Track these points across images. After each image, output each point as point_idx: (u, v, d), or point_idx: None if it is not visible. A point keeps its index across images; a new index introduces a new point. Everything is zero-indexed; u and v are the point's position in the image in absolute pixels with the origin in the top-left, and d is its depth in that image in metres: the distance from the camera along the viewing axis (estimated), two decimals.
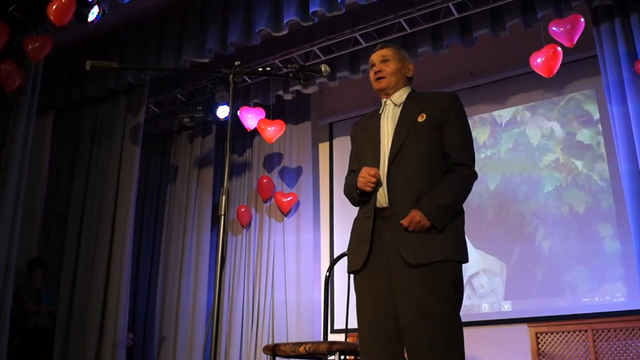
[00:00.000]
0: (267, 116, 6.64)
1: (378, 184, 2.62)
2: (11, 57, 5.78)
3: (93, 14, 5.41)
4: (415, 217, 2.48)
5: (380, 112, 2.84)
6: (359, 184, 2.65)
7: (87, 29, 5.99)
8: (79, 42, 6.72)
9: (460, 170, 2.62)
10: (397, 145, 2.64)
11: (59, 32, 5.66)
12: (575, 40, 4.91)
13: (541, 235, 5.81)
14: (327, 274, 4.10)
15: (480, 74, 6.45)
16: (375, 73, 2.84)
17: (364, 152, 2.81)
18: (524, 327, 5.56)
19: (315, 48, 6.16)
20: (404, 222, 2.49)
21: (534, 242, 5.83)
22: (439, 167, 2.63)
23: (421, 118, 2.68)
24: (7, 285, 5.47)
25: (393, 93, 2.82)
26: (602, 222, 5.57)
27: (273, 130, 6.51)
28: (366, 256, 2.60)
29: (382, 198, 2.62)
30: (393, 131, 2.70)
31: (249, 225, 7.09)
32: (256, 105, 6.74)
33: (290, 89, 6.62)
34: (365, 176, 2.62)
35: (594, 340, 5.20)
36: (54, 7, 5.16)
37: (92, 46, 6.70)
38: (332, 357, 3.37)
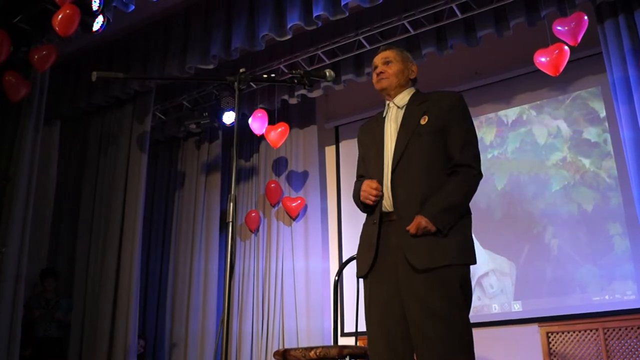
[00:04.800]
0: (272, 121, 6.66)
1: (381, 196, 2.63)
2: (17, 67, 5.82)
3: (98, 23, 5.45)
4: (421, 222, 2.47)
5: (384, 115, 2.83)
6: (362, 197, 2.67)
7: (92, 38, 6.03)
8: (84, 51, 6.77)
9: (463, 171, 2.60)
10: (400, 149, 2.64)
11: (65, 41, 5.70)
12: (579, 39, 4.91)
13: (550, 235, 5.79)
14: (336, 278, 4.11)
15: (485, 74, 6.44)
16: (378, 75, 2.83)
17: (369, 157, 2.81)
18: (534, 327, 5.55)
19: (319, 52, 6.17)
20: (410, 228, 2.49)
21: (543, 241, 5.81)
22: (443, 169, 2.61)
23: (424, 120, 2.66)
24: (18, 295, 5.50)
25: (395, 95, 2.81)
26: (611, 220, 5.54)
27: (277, 134, 6.52)
28: (372, 261, 2.61)
29: (387, 203, 2.63)
30: (396, 135, 2.69)
31: (258, 229, 7.10)
32: (261, 109, 6.74)
33: (296, 94, 6.64)
34: (367, 189, 2.64)
35: (606, 339, 5.18)
36: (59, 17, 5.21)
37: (97, 55, 6.75)
38: None
